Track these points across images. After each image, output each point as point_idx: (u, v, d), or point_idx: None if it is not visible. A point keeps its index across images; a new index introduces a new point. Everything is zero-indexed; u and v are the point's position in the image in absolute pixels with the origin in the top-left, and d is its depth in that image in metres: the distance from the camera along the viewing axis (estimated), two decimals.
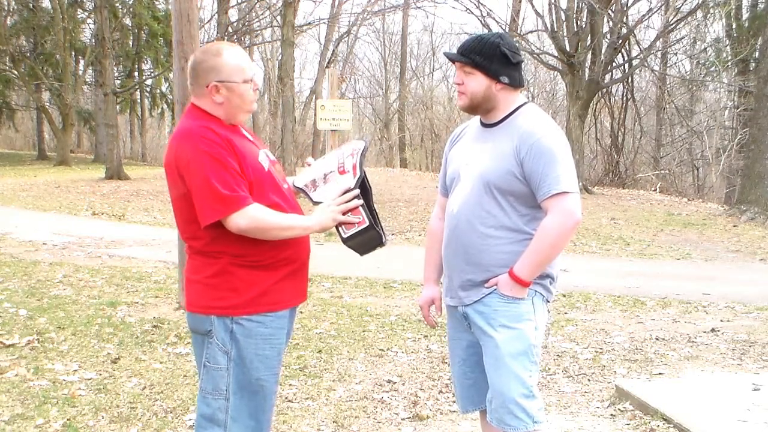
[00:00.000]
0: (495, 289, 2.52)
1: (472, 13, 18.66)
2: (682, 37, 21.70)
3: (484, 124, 2.63)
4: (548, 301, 2.63)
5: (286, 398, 4.18)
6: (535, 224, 2.51)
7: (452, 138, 2.81)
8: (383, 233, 2.53)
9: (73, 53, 30.37)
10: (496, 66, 2.51)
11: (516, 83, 2.56)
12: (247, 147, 2.45)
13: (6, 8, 28.41)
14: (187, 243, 2.50)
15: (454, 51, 2.61)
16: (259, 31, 26.55)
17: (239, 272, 2.40)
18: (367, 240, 2.53)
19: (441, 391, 4.36)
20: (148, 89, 33.38)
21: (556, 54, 18.41)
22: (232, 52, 2.46)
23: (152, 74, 31.99)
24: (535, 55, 18.88)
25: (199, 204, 2.34)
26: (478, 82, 2.53)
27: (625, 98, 21.46)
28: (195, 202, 2.35)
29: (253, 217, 2.32)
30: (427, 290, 2.84)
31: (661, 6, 18.46)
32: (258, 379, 2.46)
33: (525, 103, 2.61)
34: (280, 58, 25.06)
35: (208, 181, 2.31)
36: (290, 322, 2.59)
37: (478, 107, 2.58)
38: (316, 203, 2.53)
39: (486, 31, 16.52)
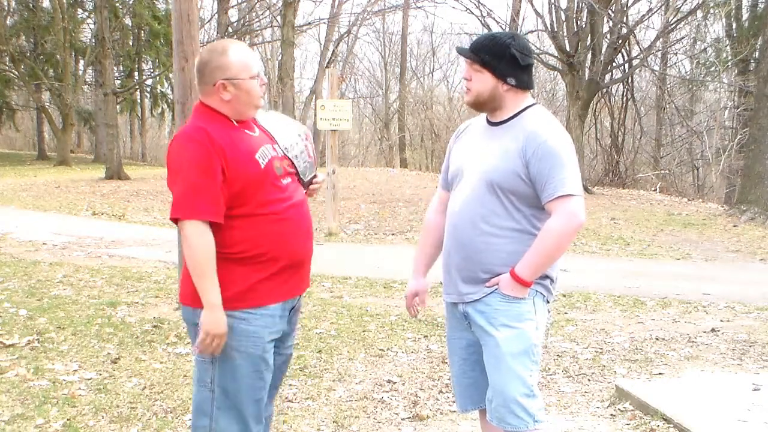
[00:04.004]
0: (496, 289, 2.52)
1: (472, 13, 18.72)
2: (682, 37, 21.70)
3: (490, 123, 2.63)
4: (548, 302, 2.64)
5: (286, 398, 4.18)
6: (538, 224, 2.51)
7: (457, 132, 2.80)
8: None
9: (73, 53, 30.34)
10: (504, 67, 2.51)
11: (523, 85, 2.56)
12: (244, 146, 2.48)
13: (6, 8, 28.41)
14: None
15: (467, 47, 2.61)
16: (259, 31, 26.58)
17: (227, 267, 2.43)
18: None
19: (441, 391, 4.36)
20: (148, 89, 33.34)
21: (556, 54, 18.41)
22: (237, 50, 2.50)
23: (152, 74, 32.00)
24: (535, 55, 18.85)
25: (173, 199, 2.44)
26: (484, 81, 2.53)
27: (625, 98, 21.44)
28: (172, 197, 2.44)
29: (187, 234, 2.38)
30: (414, 282, 2.85)
31: (661, 6, 18.47)
32: (242, 375, 2.49)
33: (533, 104, 2.61)
34: (280, 58, 25.10)
35: (183, 182, 2.39)
36: (283, 321, 2.59)
37: (483, 105, 2.59)
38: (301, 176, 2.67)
39: (485, 31, 16.53)
